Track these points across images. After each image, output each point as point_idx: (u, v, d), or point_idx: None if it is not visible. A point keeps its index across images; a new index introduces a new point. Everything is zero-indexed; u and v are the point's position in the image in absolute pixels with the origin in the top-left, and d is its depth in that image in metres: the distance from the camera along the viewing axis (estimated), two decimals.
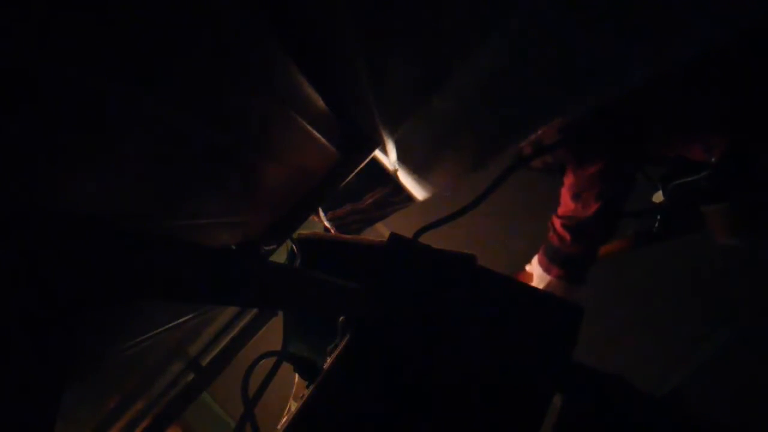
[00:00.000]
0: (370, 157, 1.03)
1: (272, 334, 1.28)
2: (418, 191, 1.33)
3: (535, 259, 1.35)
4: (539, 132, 1.11)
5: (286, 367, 0.94)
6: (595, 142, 1.17)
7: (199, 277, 0.42)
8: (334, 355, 0.77)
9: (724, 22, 0.44)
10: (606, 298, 2.01)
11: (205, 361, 1.37)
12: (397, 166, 1.17)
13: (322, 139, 0.82)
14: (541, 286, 1.28)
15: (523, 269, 1.42)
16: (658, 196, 1.29)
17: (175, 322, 0.85)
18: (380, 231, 1.85)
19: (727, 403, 2.03)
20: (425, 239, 0.96)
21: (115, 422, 1.20)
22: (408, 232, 0.95)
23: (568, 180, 1.20)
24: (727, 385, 2.14)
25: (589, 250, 1.22)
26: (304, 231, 1.10)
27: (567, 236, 1.20)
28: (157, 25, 0.35)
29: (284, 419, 0.80)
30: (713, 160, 1.13)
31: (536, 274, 1.31)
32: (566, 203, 1.20)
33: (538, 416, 0.72)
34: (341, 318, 0.81)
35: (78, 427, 0.98)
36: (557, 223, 1.22)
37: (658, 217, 1.32)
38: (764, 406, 2.09)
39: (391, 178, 1.34)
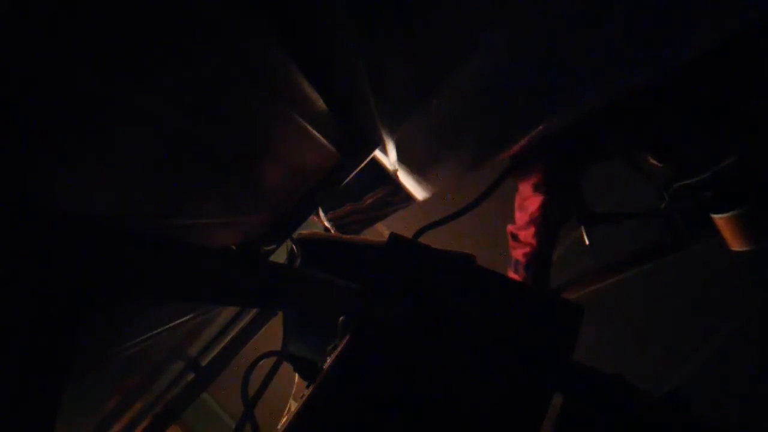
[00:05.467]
0: (370, 157, 1.03)
1: (272, 334, 1.28)
2: (418, 191, 1.33)
3: None
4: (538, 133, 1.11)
5: (286, 367, 0.94)
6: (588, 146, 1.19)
7: (199, 278, 0.42)
8: (334, 355, 0.77)
9: (720, 24, 0.44)
10: (606, 298, 2.01)
11: (205, 361, 1.37)
12: (397, 166, 1.17)
13: (322, 139, 0.82)
14: None
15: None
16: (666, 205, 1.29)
17: (175, 322, 0.85)
18: (380, 231, 1.85)
19: (728, 402, 2.03)
20: (425, 239, 0.96)
21: (115, 422, 1.20)
22: (408, 232, 0.95)
23: (518, 191, 1.30)
24: (728, 384, 2.14)
25: (527, 255, 1.31)
26: (304, 231, 1.10)
27: (510, 242, 1.34)
28: (158, 25, 0.35)
29: (284, 419, 0.80)
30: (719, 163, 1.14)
31: None
32: (515, 213, 1.32)
33: (538, 416, 0.72)
34: (341, 318, 0.81)
35: (78, 427, 0.98)
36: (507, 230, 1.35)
37: (668, 229, 1.33)
38: (764, 405, 2.09)
39: (391, 178, 1.34)
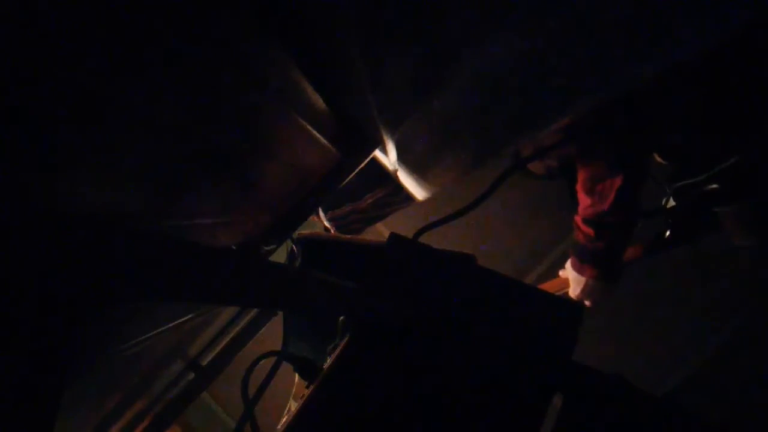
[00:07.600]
0: (370, 157, 1.03)
1: (272, 334, 1.28)
2: (418, 191, 1.33)
3: (568, 263, 1.30)
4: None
5: (286, 367, 0.94)
6: (597, 141, 1.16)
7: (200, 277, 0.42)
8: (334, 355, 0.77)
9: (724, 21, 0.44)
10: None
11: (205, 361, 1.37)
12: (397, 166, 1.17)
13: (322, 139, 0.82)
14: (578, 290, 1.25)
15: (557, 274, 1.39)
16: (669, 201, 1.28)
17: (175, 322, 0.85)
18: (380, 231, 1.84)
19: (727, 403, 2.03)
20: (425, 239, 0.96)
21: (115, 422, 1.20)
22: (408, 232, 0.95)
23: (581, 176, 1.17)
24: (727, 385, 2.14)
25: (616, 242, 1.19)
26: (304, 231, 1.10)
27: (591, 232, 1.17)
28: (158, 25, 0.35)
29: (284, 419, 0.80)
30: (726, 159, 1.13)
31: (571, 277, 1.28)
32: (583, 200, 1.18)
33: (538, 416, 0.72)
34: (341, 318, 0.81)
35: (78, 427, 0.98)
36: (578, 220, 1.20)
37: (669, 222, 1.31)
38: (764, 406, 2.09)
39: (391, 178, 1.34)
